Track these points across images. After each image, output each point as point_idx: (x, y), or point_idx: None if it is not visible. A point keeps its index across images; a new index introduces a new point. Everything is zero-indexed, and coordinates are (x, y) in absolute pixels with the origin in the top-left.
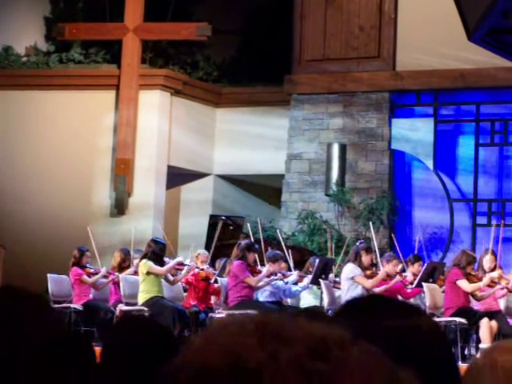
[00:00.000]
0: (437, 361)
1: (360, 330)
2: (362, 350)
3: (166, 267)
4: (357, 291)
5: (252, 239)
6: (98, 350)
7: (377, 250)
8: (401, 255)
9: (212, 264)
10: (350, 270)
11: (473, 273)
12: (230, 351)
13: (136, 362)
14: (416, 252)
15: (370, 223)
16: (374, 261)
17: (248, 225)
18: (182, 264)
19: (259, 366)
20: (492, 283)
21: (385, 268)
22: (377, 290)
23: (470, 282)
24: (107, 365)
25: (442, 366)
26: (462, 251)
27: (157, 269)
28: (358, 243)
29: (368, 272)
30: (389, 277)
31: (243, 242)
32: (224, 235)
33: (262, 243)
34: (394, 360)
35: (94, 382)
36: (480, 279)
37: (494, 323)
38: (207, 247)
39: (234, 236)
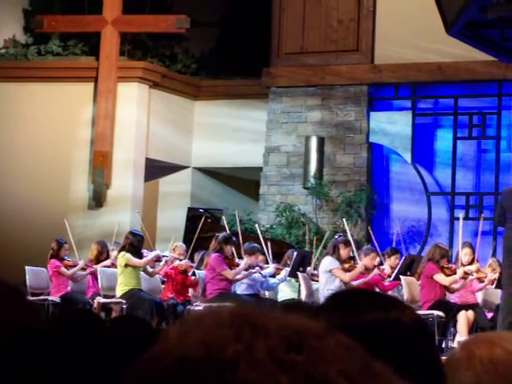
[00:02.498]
0: (419, 353)
1: (343, 324)
2: (337, 341)
3: (144, 260)
4: (335, 284)
5: (228, 232)
6: None
7: (352, 243)
8: (378, 248)
9: (191, 257)
10: (328, 262)
11: (446, 266)
12: (207, 342)
13: (114, 355)
14: (394, 245)
15: (344, 220)
16: (352, 254)
17: (223, 218)
18: (159, 258)
19: (235, 356)
20: (465, 275)
21: (362, 261)
22: (354, 283)
23: (445, 275)
24: (85, 358)
25: (425, 358)
26: (434, 245)
27: (135, 261)
28: (336, 236)
29: (346, 265)
30: (367, 270)
31: (220, 235)
32: (202, 228)
33: (240, 236)
34: (377, 353)
35: (73, 375)
36: (454, 272)
37: (470, 313)
38: (185, 240)
39: (212, 229)
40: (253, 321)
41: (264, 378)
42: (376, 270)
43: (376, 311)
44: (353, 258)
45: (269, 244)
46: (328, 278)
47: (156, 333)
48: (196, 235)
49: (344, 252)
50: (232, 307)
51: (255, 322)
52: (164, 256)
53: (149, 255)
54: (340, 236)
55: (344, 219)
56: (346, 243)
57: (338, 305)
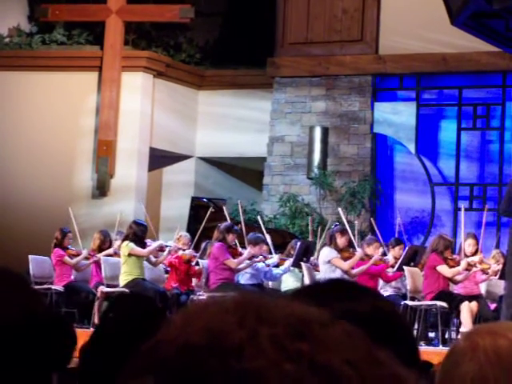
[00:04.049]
0: (396, 342)
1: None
2: (341, 329)
3: (147, 249)
4: (335, 274)
5: (229, 222)
6: (79, 331)
7: (350, 232)
8: (381, 238)
9: (196, 247)
10: (326, 253)
11: (450, 257)
12: (210, 329)
13: (128, 337)
14: (397, 236)
15: (339, 209)
16: (356, 244)
17: (224, 208)
18: (162, 247)
19: (239, 344)
20: (469, 266)
21: (363, 249)
22: (355, 271)
23: (449, 266)
24: (98, 342)
25: (402, 347)
26: (438, 236)
27: (139, 250)
28: (333, 226)
29: (345, 254)
30: (367, 256)
31: (223, 225)
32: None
33: (244, 226)
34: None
35: (83, 361)
36: (457, 263)
37: (473, 304)
38: (189, 229)
39: (216, 218)
40: (257, 308)
41: (268, 366)
42: (376, 256)
43: (350, 301)
44: (352, 247)
45: (271, 234)
46: (328, 268)
47: (160, 311)
48: (201, 227)
49: (341, 241)
50: (236, 295)
51: (259, 310)
52: (167, 246)
53: (152, 245)
54: (336, 225)
55: (340, 208)
56: (342, 232)
57: (311, 295)
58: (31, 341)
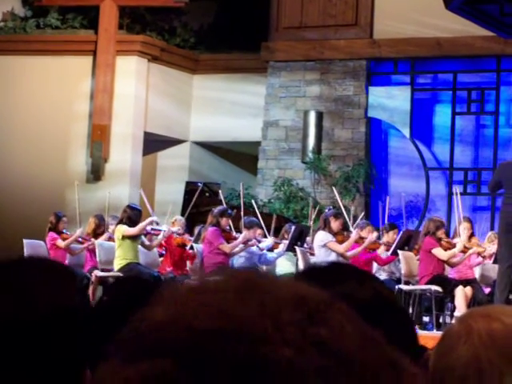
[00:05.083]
0: (394, 326)
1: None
2: (345, 313)
3: (138, 226)
4: (330, 258)
5: (225, 206)
6: None
7: (346, 216)
8: (380, 222)
9: (190, 231)
10: (321, 237)
11: (444, 238)
12: (228, 313)
13: (124, 321)
14: (386, 219)
15: (334, 188)
16: (351, 229)
17: (220, 192)
18: (155, 223)
19: (265, 331)
20: (465, 249)
21: (358, 232)
22: (350, 253)
23: (444, 247)
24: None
25: (402, 332)
26: (428, 219)
27: (130, 230)
28: (326, 210)
29: (340, 238)
30: (361, 239)
31: (216, 209)
32: (200, 202)
33: (242, 210)
34: None
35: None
36: (453, 245)
37: (468, 289)
38: (183, 214)
39: (210, 203)
40: (267, 291)
41: (295, 353)
42: (370, 237)
43: (350, 284)
44: (346, 230)
45: (273, 218)
46: (323, 252)
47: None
48: (188, 209)
49: (335, 224)
50: (237, 273)
51: (270, 293)
52: (158, 226)
53: (143, 222)
54: (330, 209)
55: (334, 187)
56: (336, 216)
57: (313, 277)
58: (64, 335)
